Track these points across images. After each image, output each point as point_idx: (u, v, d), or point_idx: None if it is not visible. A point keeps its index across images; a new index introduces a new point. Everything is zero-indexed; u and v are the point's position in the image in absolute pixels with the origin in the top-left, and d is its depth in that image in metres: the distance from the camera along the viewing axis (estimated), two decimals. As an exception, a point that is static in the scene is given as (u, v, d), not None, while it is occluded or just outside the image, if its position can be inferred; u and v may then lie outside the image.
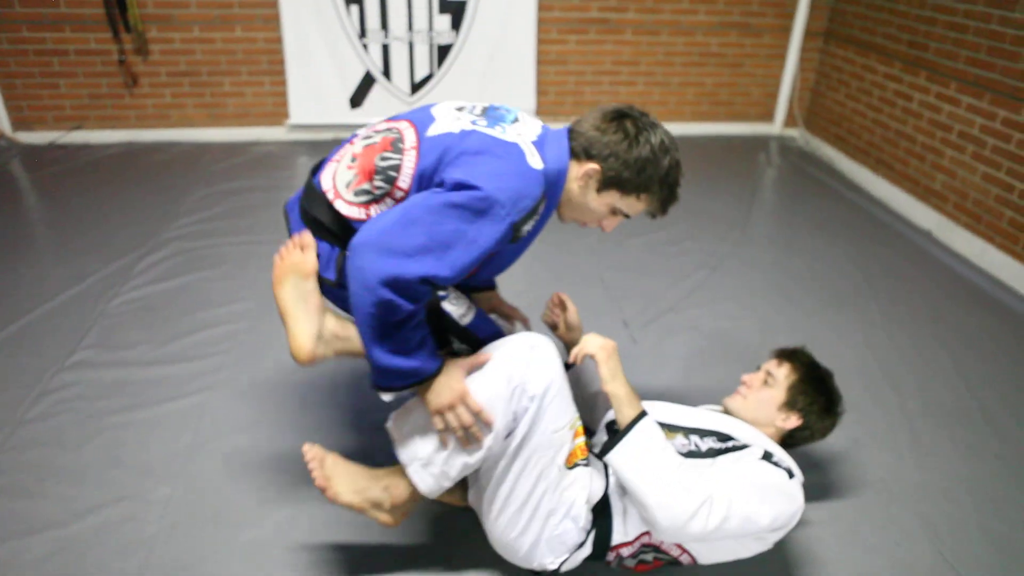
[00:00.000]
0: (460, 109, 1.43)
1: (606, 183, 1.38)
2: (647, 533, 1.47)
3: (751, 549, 1.48)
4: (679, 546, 1.48)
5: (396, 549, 1.63)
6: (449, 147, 1.32)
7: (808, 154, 4.39)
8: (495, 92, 4.23)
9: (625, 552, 1.50)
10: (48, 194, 3.50)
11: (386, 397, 1.39)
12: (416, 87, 4.25)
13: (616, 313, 2.61)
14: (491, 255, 1.36)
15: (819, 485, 1.85)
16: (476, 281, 1.67)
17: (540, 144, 1.38)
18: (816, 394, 1.60)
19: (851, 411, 2.11)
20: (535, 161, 1.34)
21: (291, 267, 1.40)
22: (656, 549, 1.50)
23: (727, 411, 1.66)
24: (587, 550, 1.48)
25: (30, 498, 1.73)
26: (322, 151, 4.13)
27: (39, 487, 1.76)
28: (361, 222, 1.39)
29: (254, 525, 1.68)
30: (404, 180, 1.36)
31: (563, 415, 1.39)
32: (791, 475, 1.44)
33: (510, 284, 2.15)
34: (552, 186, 1.37)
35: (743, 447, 1.49)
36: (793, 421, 1.58)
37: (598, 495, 1.48)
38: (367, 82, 4.20)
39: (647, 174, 1.37)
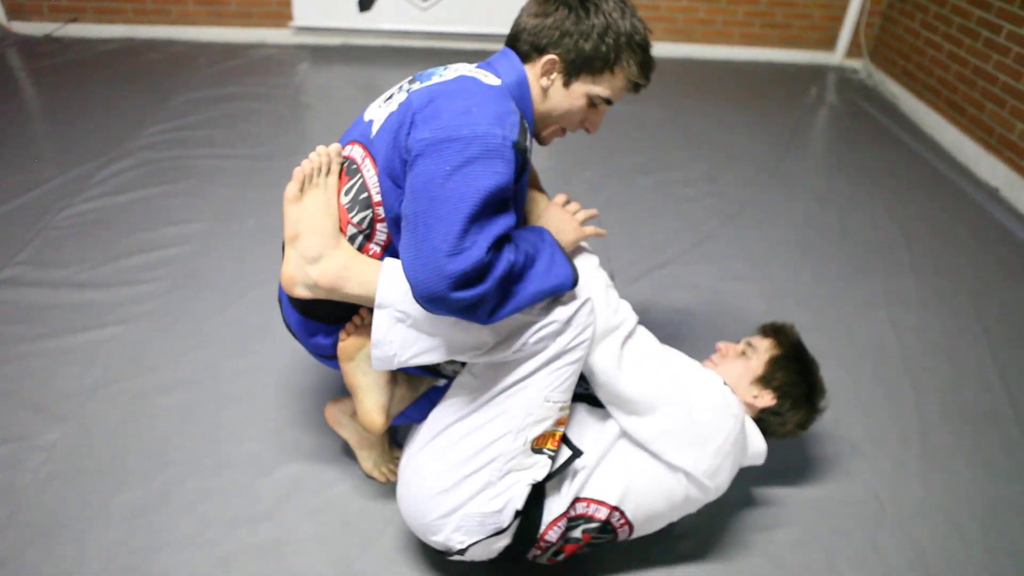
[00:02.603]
0: (388, 97, 1.25)
1: (571, 69, 1.19)
2: (578, 500, 1.26)
3: (691, 501, 1.31)
4: (610, 507, 1.26)
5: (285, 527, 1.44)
6: (399, 124, 1.14)
7: (869, 90, 3.85)
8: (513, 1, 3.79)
9: (552, 535, 1.26)
10: (30, 90, 3.31)
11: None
12: (431, -11, 3.84)
13: (603, 263, 2.29)
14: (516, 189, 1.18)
15: (795, 497, 1.57)
16: None
17: (488, 66, 1.23)
18: (797, 375, 1.41)
19: (854, 406, 1.80)
20: (490, 79, 1.17)
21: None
22: (587, 519, 1.27)
23: None
24: (506, 539, 1.25)
25: (-89, 431, 1.59)
26: (327, 58, 3.82)
27: (-78, 419, 1.62)
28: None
29: (140, 484, 1.50)
30: (375, 191, 1.18)
31: (565, 387, 1.20)
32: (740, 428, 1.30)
33: None
34: (518, 101, 1.20)
35: None
36: (766, 399, 1.39)
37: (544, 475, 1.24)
38: (377, -18, 3.82)
39: (610, 41, 1.17)
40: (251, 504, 1.48)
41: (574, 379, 1.21)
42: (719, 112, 3.47)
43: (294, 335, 1.38)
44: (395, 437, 1.62)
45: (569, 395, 1.22)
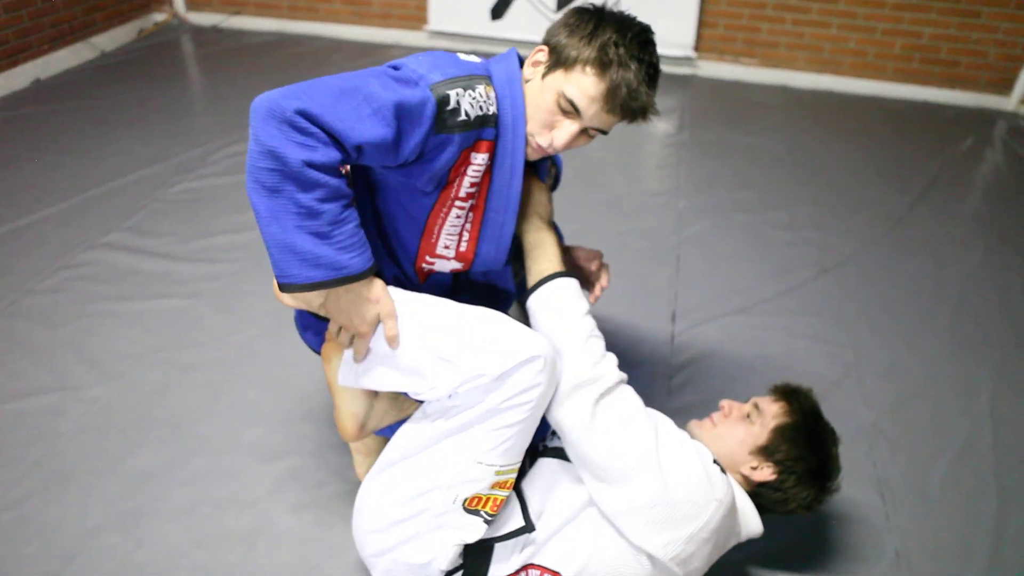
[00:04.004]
0: None
1: (551, 61, 1.15)
2: (531, 566, 1.17)
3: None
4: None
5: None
6: None
7: (1045, 142, 3.35)
8: (649, 18, 3.65)
9: None
10: (190, 75, 3.67)
11: (288, 300, 1.23)
12: (563, 2, 3.82)
13: (669, 301, 2.16)
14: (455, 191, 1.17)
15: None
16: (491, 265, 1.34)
17: (483, 60, 1.23)
18: (805, 450, 1.24)
19: (914, 505, 1.56)
20: (469, 57, 1.19)
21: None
22: None
23: (690, 437, 1.28)
24: None
25: (-9, 367, 1.79)
26: (451, 63, 3.91)
27: (1, 359, 1.82)
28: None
29: (153, 451, 1.59)
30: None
31: (502, 450, 1.10)
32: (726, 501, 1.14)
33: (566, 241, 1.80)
34: (506, 86, 1.16)
35: None
36: (765, 474, 1.23)
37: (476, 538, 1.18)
38: (510, -8, 3.85)
39: (581, 31, 1.12)
40: (243, 489, 1.52)
41: (516, 443, 1.10)
42: (849, 152, 3.15)
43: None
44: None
45: (511, 458, 1.11)
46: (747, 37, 3.77)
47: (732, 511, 1.15)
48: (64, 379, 1.77)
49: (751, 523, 1.21)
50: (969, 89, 3.65)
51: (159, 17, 4.25)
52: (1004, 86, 3.61)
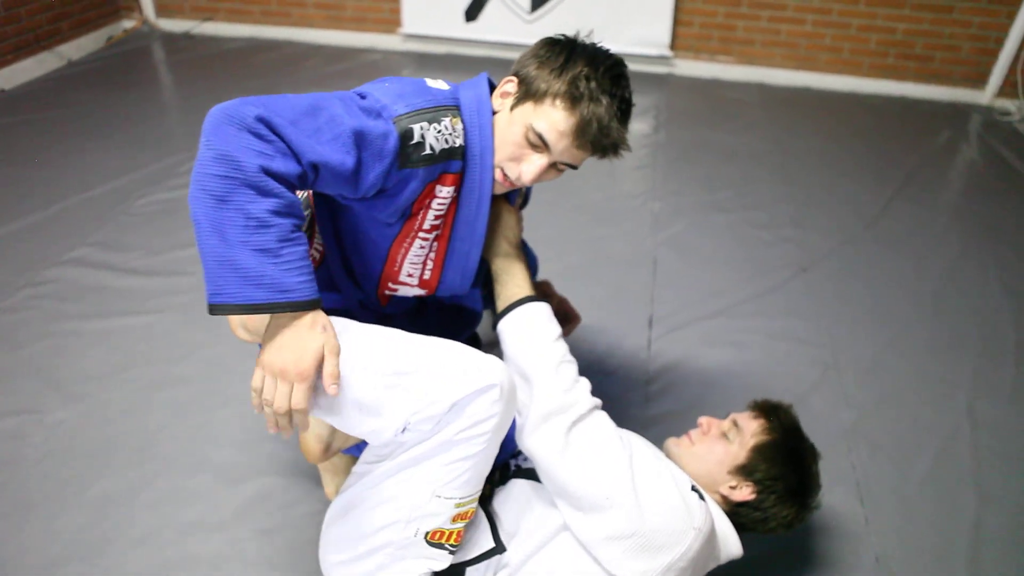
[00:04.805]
0: None
1: (520, 93, 1.12)
2: None
3: None
4: None
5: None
6: None
7: (1021, 137, 3.36)
8: (624, 18, 3.66)
9: None
10: (161, 83, 3.61)
11: (242, 334, 1.17)
12: (537, 3, 3.79)
13: (646, 305, 2.14)
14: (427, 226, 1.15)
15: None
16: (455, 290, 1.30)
17: (452, 85, 1.18)
18: (785, 468, 1.21)
19: (893, 508, 1.54)
20: (437, 84, 1.14)
21: None
22: None
23: (668, 456, 1.28)
24: None
25: (-50, 391, 1.74)
26: (430, 65, 3.87)
27: (-39, 382, 1.77)
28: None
29: (118, 475, 1.55)
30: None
31: (460, 482, 1.05)
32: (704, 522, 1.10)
33: (538, 248, 1.79)
34: (474, 116, 1.12)
35: None
36: (744, 493, 1.21)
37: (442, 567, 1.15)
38: (484, -6, 3.82)
39: (552, 63, 1.10)
40: (211, 512, 1.48)
41: (474, 474, 1.06)
42: (827, 149, 3.15)
43: None
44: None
45: (470, 490, 1.07)
46: (723, 35, 3.76)
47: (711, 537, 1.12)
48: (26, 402, 1.72)
49: (730, 545, 1.18)
50: (944, 84, 3.66)
51: (129, 24, 4.18)
52: (979, 80, 3.62)
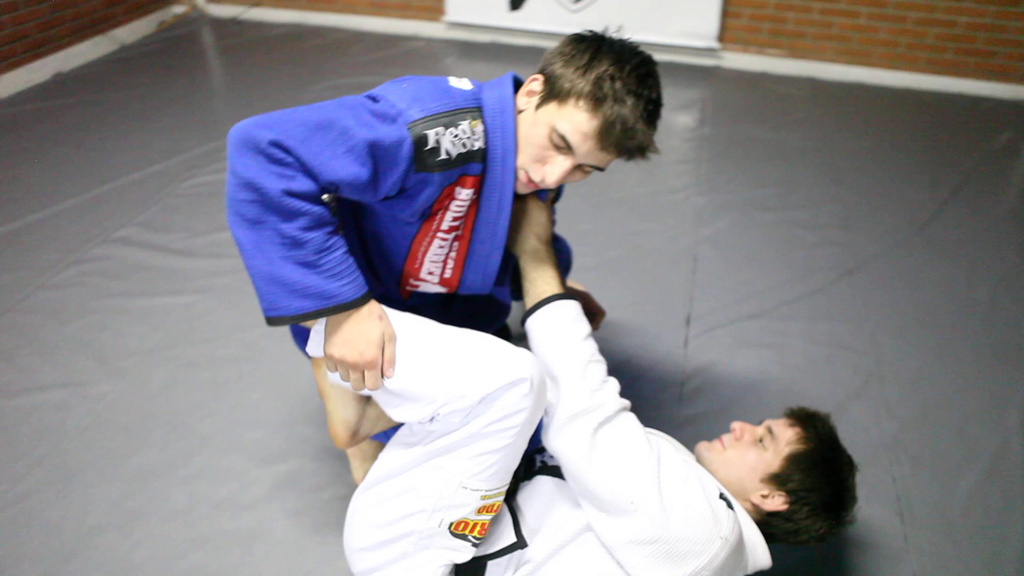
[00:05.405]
0: None
1: (546, 93, 1.09)
2: None
3: None
4: None
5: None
6: None
7: (1087, 138, 3.20)
8: (671, 8, 3.59)
9: None
10: (209, 68, 3.68)
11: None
12: (583, -7, 3.75)
13: (684, 303, 2.10)
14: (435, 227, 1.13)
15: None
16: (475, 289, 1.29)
17: (476, 84, 1.15)
18: (820, 480, 1.17)
19: (935, 527, 1.49)
20: (460, 83, 1.12)
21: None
22: None
23: (698, 460, 1.26)
24: None
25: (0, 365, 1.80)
26: (472, 54, 3.86)
27: (11, 353, 1.83)
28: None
29: (156, 450, 1.59)
30: None
31: (487, 475, 1.06)
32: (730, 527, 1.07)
33: (576, 242, 1.77)
34: (496, 116, 1.10)
35: None
36: (776, 503, 1.17)
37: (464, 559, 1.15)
38: (529, -17, 3.79)
39: (577, 61, 1.07)
40: (242, 491, 1.51)
41: (502, 467, 1.06)
42: (878, 147, 3.05)
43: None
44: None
45: (497, 483, 1.07)
46: (773, 27, 3.66)
47: (739, 548, 1.09)
48: (71, 375, 1.77)
49: (759, 555, 1.15)
50: (1006, 80, 3.51)
51: (179, 9, 4.26)
52: (1044, 78, 3.46)
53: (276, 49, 3.85)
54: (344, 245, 1.02)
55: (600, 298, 1.60)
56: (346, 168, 0.97)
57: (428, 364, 1.04)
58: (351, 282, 1.01)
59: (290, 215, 0.95)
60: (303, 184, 0.95)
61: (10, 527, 1.42)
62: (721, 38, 3.70)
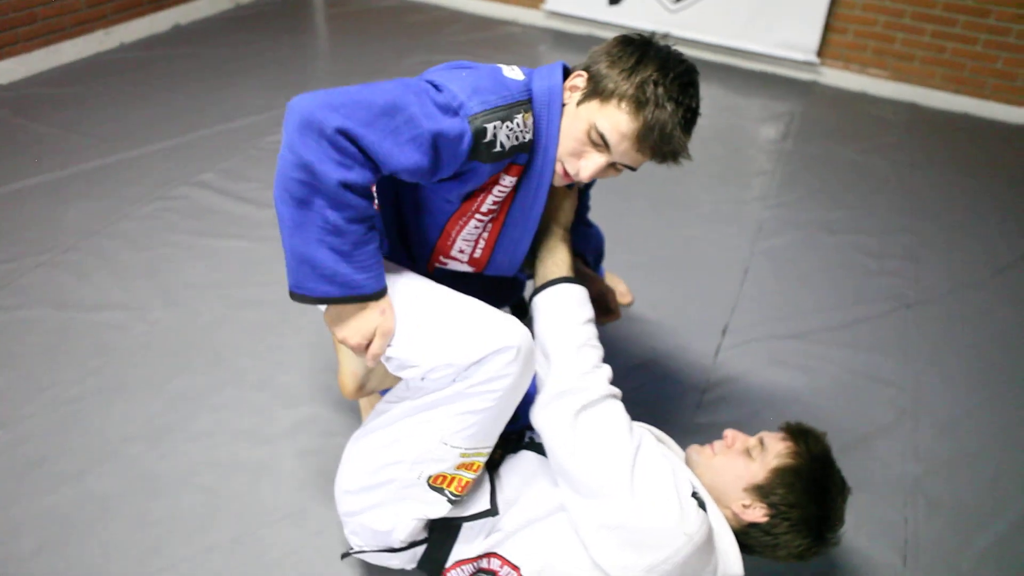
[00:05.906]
0: None
1: (589, 89, 1.13)
2: (493, 555, 1.19)
3: None
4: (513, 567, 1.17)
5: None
6: None
7: None
8: (771, 18, 3.48)
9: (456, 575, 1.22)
10: (315, 32, 3.86)
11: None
12: (683, -6, 3.69)
13: (725, 313, 2.07)
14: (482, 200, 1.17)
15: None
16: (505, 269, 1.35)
17: (527, 72, 1.20)
18: (804, 497, 1.15)
19: None
20: (513, 73, 1.16)
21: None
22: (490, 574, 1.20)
23: (687, 462, 1.27)
24: (398, 560, 1.24)
25: (77, 281, 1.99)
26: (566, 44, 3.89)
27: (90, 273, 2.02)
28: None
29: (196, 376, 1.73)
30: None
31: (468, 434, 1.11)
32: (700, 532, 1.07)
33: (621, 251, 1.78)
34: (544, 108, 1.14)
35: None
36: (755, 514, 1.17)
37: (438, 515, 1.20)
38: (630, -22, 3.76)
39: (623, 63, 1.10)
40: (262, 426, 1.62)
41: (481, 429, 1.10)
42: (968, 184, 2.87)
43: None
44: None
45: (477, 443, 1.12)
46: (879, 46, 3.49)
47: (705, 548, 1.09)
48: (134, 299, 1.94)
49: (730, 563, 1.14)
50: None
51: (296, -25, 4.47)
52: None
53: (378, 21, 3.99)
54: (377, 240, 1.07)
55: (641, 296, 1.60)
56: (409, 157, 1.02)
57: (423, 330, 1.10)
58: (375, 276, 1.06)
59: (339, 205, 0.99)
60: (360, 176, 0.99)
61: (59, 424, 1.58)
62: (821, 52, 3.57)
